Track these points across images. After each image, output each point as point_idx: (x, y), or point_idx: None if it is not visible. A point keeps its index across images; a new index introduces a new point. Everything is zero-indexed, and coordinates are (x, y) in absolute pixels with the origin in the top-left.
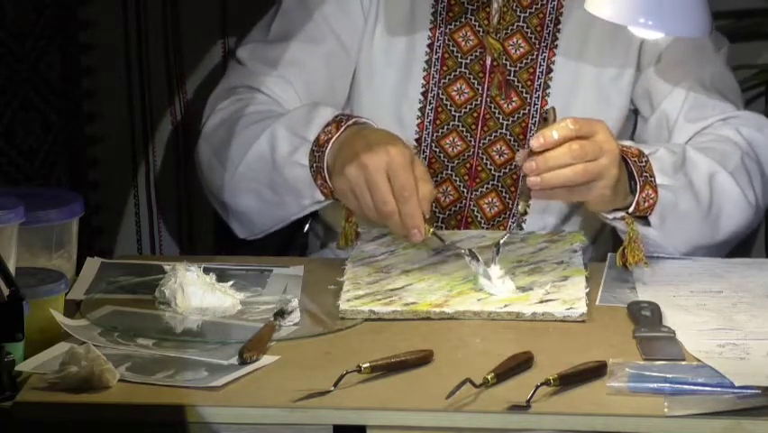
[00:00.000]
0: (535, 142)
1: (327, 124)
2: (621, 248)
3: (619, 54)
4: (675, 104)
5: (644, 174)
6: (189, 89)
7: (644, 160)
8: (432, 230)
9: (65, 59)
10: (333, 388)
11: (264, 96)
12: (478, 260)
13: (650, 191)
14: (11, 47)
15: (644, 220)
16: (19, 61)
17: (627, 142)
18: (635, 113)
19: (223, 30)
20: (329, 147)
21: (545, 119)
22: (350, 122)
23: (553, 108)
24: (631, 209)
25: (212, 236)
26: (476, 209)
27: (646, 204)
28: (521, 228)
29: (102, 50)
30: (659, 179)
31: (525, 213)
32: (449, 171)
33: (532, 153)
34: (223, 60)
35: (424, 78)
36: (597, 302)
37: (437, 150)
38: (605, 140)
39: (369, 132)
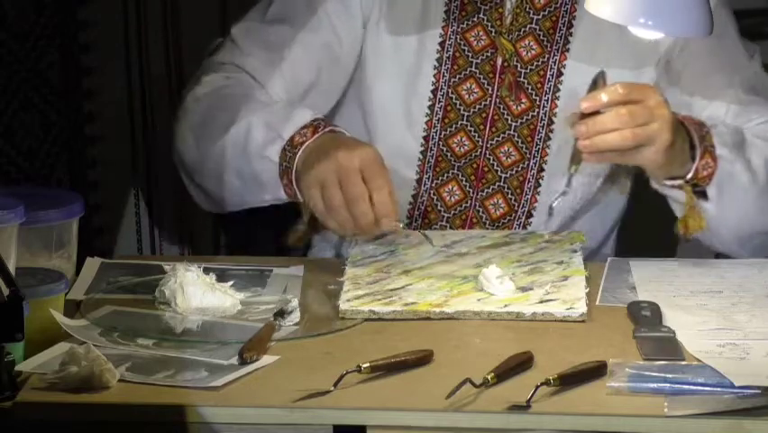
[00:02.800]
0: (585, 103)
1: (304, 126)
2: (682, 216)
3: (634, 62)
4: (717, 113)
5: (705, 143)
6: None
7: (704, 129)
8: (400, 223)
9: (65, 59)
10: (333, 388)
11: (249, 78)
12: (432, 244)
13: (709, 160)
14: (11, 47)
15: (702, 196)
16: (19, 61)
17: (686, 113)
18: None
19: (223, 30)
20: (301, 150)
21: (595, 82)
22: (326, 129)
23: (603, 72)
24: (690, 175)
25: (212, 236)
26: (481, 210)
27: (705, 172)
28: (525, 228)
29: (102, 50)
30: (719, 150)
31: (575, 173)
32: (455, 171)
33: (582, 117)
34: None
35: (434, 75)
36: (597, 302)
37: (444, 148)
38: (656, 105)
39: (343, 138)
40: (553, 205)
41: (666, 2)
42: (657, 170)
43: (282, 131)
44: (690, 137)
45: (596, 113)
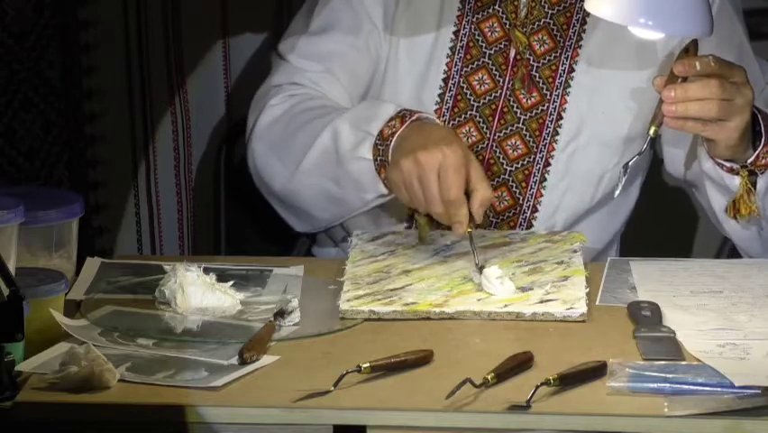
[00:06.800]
0: (679, 67)
1: (391, 119)
2: (732, 201)
3: (647, 64)
4: None
5: None
6: (189, 89)
7: None
8: (470, 231)
9: (65, 59)
10: (333, 388)
11: (313, 92)
12: (480, 272)
13: None
14: (11, 47)
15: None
16: (19, 61)
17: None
18: None
19: (223, 30)
20: (393, 141)
21: (687, 50)
22: (413, 117)
23: (696, 40)
24: (750, 160)
25: (212, 236)
26: None
27: (764, 160)
28: (532, 225)
29: (102, 50)
30: None
31: (654, 135)
32: None
33: (669, 81)
34: (223, 60)
35: (446, 64)
36: (597, 302)
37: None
38: (742, 83)
39: (430, 128)
40: (630, 164)
41: (666, 2)
42: (726, 149)
43: (370, 128)
44: (756, 123)
45: (683, 81)
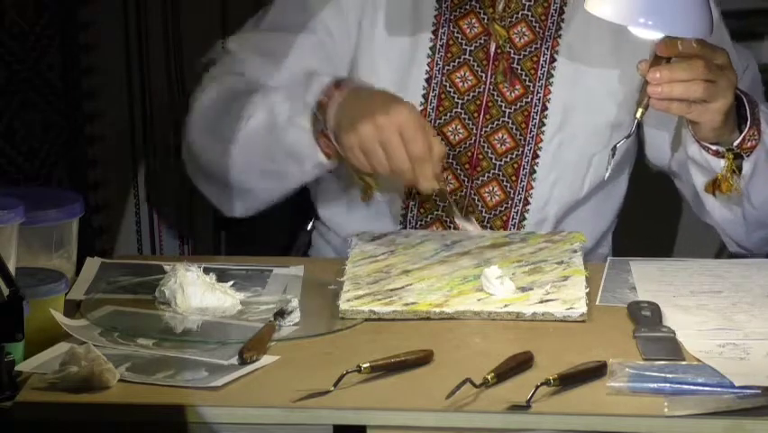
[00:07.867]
0: (662, 46)
1: (327, 87)
2: (713, 179)
3: (628, 47)
4: None
5: (754, 115)
6: (189, 89)
7: (755, 103)
8: (441, 185)
9: (65, 59)
10: (333, 388)
11: (251, 81)
12: (466, 220)
13: (755, 132)
14: (11, 47)
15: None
16: (19, 61)
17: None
18: None
19: (223, 30)
20: (331, 108)
21: (670, 38)
22: (350, 84)
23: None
24: (736, 143)
25: (212, 236)
26: (477, 198)
27: (750, 143)
28: (524, 219)
29: (102, 50)
30: (764, 126)
31: (641, 121)
32: (450, 160)
33: (653, 64)
34: None
35: (428, 64)
36: (597, 302)
37: (439, 137)
38: (725, 65)
39: (370, 91)
40: (618, 146)
41: (666, 2)
42: (710, 132)
43: (307, 97)
44: (741, 106)
45: (667, 63)
